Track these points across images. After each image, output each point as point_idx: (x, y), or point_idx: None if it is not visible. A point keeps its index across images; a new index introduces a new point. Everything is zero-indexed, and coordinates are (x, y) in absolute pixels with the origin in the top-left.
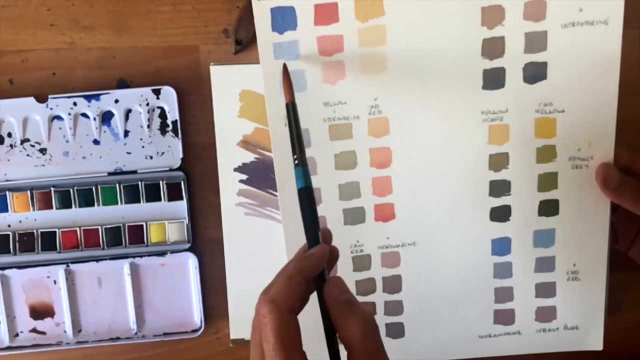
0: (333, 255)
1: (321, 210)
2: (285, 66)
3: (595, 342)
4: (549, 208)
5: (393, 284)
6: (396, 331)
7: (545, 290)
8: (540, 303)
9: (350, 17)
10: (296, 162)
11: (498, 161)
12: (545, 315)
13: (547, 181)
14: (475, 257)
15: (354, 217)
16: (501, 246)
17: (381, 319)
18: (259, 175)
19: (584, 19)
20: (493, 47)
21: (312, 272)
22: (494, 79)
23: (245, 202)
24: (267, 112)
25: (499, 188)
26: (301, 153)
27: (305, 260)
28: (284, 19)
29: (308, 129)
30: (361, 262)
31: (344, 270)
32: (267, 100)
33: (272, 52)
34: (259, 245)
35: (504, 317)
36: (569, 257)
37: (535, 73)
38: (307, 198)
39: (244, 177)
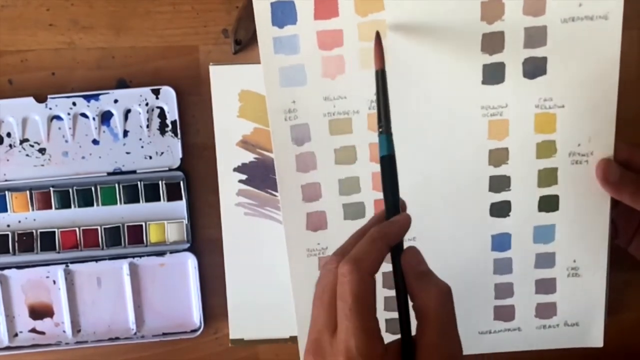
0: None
1: (321, 205)
2: (378, 34)
3: (595, 338)
4: (549, 204)
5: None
6: (396, 327)
7: (546, 286)
8: (541, 299)
9: (350, 12)
10: (381, 129)
11: (498, 156)
12: (545, 311)
13: (547, 177)
14: (475, 253)
15: (354, 212)
16: (501, 242)
17: (381, 315)
18: (258, 175)
19: (583, 14)
20: (493, 42)
21: (395, 238)
22: (493, 74)
23: (244, 202)
24: (268, 107)
25: (499, 183)
26: (387, 121)
27: (390, 226)
28: (283, 13)
29: (308, 123)
30: None
31: None
32: (268, 95)
33: (272, 47)
34: (258, 245)
35: (504, 313)
36: (569, 253)
37: (535, 68)
38: (390, 166)
39: (244, 177)
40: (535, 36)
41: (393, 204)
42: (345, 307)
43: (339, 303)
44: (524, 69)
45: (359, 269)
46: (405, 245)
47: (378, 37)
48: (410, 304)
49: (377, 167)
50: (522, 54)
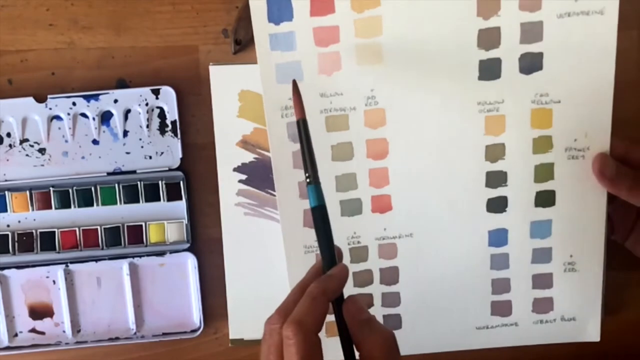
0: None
1: None
2: (295, 83)
3: (592, 333)
4: (545, 199)
5: (390, 276)
6: (393, 323)
7: (542, 281)
8: (537, 294)
9: (346, 8)
10: (308, 180)
11: (494, 152)
12: (542, 306)
13: (544, 172)
14: (472, 249)
15: (351, 208)
16: (498, 237)
17: (378, 311)
18: (258, 175)
19: (579, 9)
20: (489, 38)
21: (335, 292)
22: (490, 70)
23: (244, 202)
24: (264, 104)
25: (496, 179)
26: (313, 171)
27: (328, 281)
28: (280, 10)
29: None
30: (358, 253)
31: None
32: (264, 93)
33: (268, 43)
34: (258, 245)
35: (501, 309)
36: (565, 248)
37: (531, 63)
38: (321, 216)
39: (243, 177)
40: (531, 32)
41: (329, 254)
42: None
43: None
44: (520, 64)
45: (302, 330)
46: (402, 240)
47: (295, 86)
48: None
49: (374, 164)
50: (518, 49)
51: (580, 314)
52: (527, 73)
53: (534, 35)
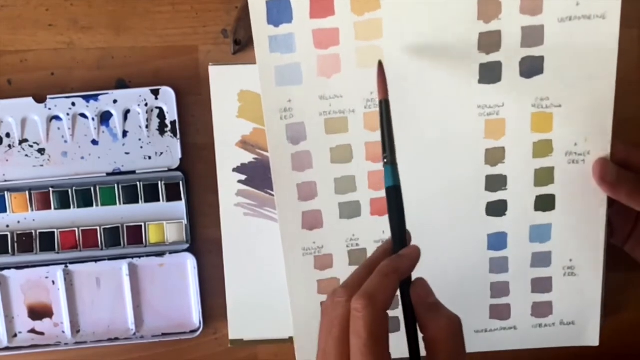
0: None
1: (317, 204)
2: (380, 63)
3: (591, 337)
4: (545, 203)
5: None
6: (392, 325)
7: (542, 285)
8: (537, 298)
9: (346, 10)
10: (385, 160)
11: (494, 156)
12: (541, 310)
13: (544, 176)
14: (471, 252)
15: (350, 211)
16: (497, 241)
17: None
18: (257, 175)
19: (581, 13)
20: (489, 41)
21: (406, 272)
22: (490, 73)
23: (244, 203)
24: (263, 106)
25: (495, 183)
26: (392, 151)
27: (401, 260)
28: (279, 12)
29: (304, 122)
30: (357, 256)
31: (340, 264)
32: (263, 94)
33: (267, 45)
34: (257, 245)
35: (500, 312)
36: (565, 252)
37: (532, 67)
38: (396, 197)
39: (243, 177)
40: (532, 35)
41: (400, 235)
42: (360, 342)
43: (353, 339)
44: (521, 68)
45: (373, 305)
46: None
47: (381, 66)
48: (421, 335)
49: (373, 166)
50: (519, 53)
51: (579, 318)
52: (527, 77)
53: (535, 39)
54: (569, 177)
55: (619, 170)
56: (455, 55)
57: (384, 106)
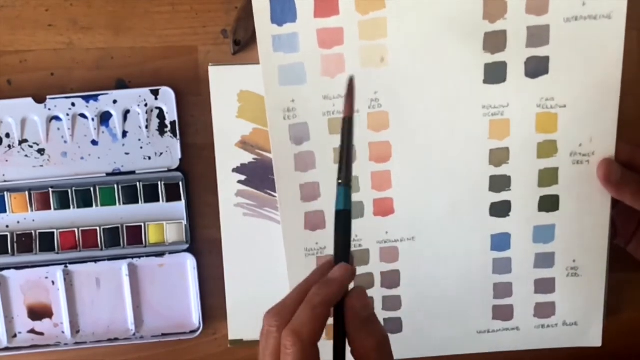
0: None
1: (320, 204)
2: (351, 79)
3: (594, 338)
4: (549, 204)
5: (391, 279)
6: (394, 326)
7: (545, 286)
8: (540, 299)
9: (350, 10)
10: (339, 180)
11: (498, 156)
12: (544, 311)
13: (548, 177)
14: (474, 253)
15: (353, 211)
16: (501, 242)
17: (379, 314)
18: (257, 176)
19: (587, 13)
20: (495, 41)
21: (336, 299)
22: (495, 73)
23: (243, 203)
24: (266, 106)
25: (499, 183)
26: (347, 172)
27: (329, 286)
28: (283, 11)
29: (307, 122)
30: (359, 256)
31: None
32: (266, 94)
33: (271, 45)
34: (257, 246)
35: (503, 313)
36: (568, 253)
37: (537, 67)
38: (344, 221)
39: (243, 177)
40: (537, 35)
41: (343, 259)
42: None
43: None
44: (526, 68)
45: (301, 341)
46: (404, 244)
47: (351, 83)
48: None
49: (376, 167)
50: (524, 53)
51: (582, 319)
52: (532, 77)
53: (541, 39)
54: (573, 178)
55: (624, 171)
56: (460, 55)
57: (347, 124)
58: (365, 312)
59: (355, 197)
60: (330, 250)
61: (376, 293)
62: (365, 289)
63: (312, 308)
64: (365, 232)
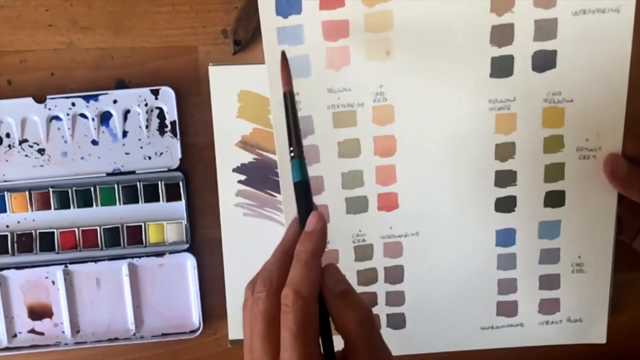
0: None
1: (323, 198)
2: (283, 53)
3: (598, 335)
4: (555, 199)
5: (395, 275)
6: (397, 322)
7: (549, 282)
8: (544, 295)
9: (356, 2)
10: (292, 154)
11: (504, 151)
12: (548, 307)
13: (554, 172)
14: (478, 249)
15: (357, 206)
16: (506, 237)
17: (382, 310)
18: (257, 175)
19: (595, 7)
20: (502, 34)
21: (322, 249)
22: (502, 67)
23: (244, 203)
24: (270, 100)
25: (505, 178)
26: (298, 145)
27: (312, 237)
28: (288, 3)
29: (311, 115)
30: (363, 251)
31: (346, 259)
32: (271, 87)
33: (275, 37)
34: (257, 245)
35: (507, 309)
36: (574, 249)
37: (544, 61)
38: (304, 192)
39: (243, 177)
40: (545, 29)
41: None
42: (290, 336)
43: (283, 332)
44: (533, 62)
45: (303, 298)
46: (408, 239)
47: (284, 57)
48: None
49: (381, 161)
50: (531, 46)
51: (586, 316)
52: (539, 71)
53: (548, 33)
54: (579, 173)
55: (630, 167)
56: (467, 48)
57: (289, 98)
58: (339, 287)
59: (359, 191)
60: (333, 245)
61: (380, 288)
62: (336, 266)
63: (305, 264)
64: (369, 226)
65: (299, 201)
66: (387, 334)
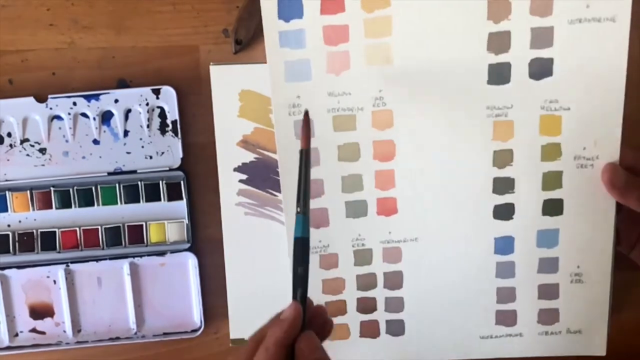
0: (327, 327)
1: (323, 202)
2: (306, 113)
3: (598, 346)
4: (553, 207)
5: (394, 280)
6: (396, 329)
7: (548, 291)
8: (543, 305)
9: (356, 7)
10: (298, 210)
11: (502, 158)
12: (547, 317)
13: (552, 180)
14: (477, 256)
15: (356, 210)
16: (504, 245)
17: (381, 316)
18: (258, 175)
19: (591, 16)
20: (499, 42)
21: (288, 338)
22: (499, 74)
23: (245, 202)
24: (272, 101)
25: (503, 185)
26: (305, 202)
27: (279, 327)
28: (290, 7)
29: (312, 118)
30: (362, 256)
31: (345, 263)
32: (272, 90)
33: (277, 40)
34: (258, 245)
35: (506, 318)
36: (572, 259)
37: (541, 69)
38: (303, 248)
39: (244, 177)
40: (541, 37)
41: (300, 290)
42: None
43: None
44: (530, 69)
45: None
46: (407, 245)
47: (307, 116)
48: None
49: (380, 165)
50: (528, 54)
51: (586, 327)
52: (536, 79)
53: (545, 41)
54: (577, 182)
55: (628, 176)
56: (464, 55)
57: (304, 156)
58: (313, 354)
59: (358, 195)
60: (333, 249)
61: (379, 294)
62: (313, 333)
63: (266, 349)
64: (369, 231)
65: (296, 257)
66: (387, 341)
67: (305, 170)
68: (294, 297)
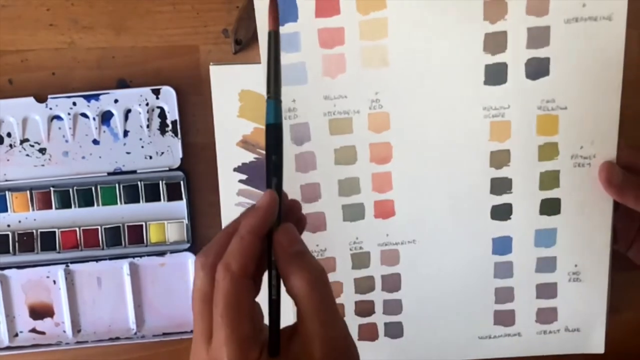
0: (301, 224)
1: (320, 205)
2: None
3: (596, 344)
4: (550, 207)
5: (392, 283)
6: (395, 331)
7: (546, 291)
8: (541, 304)
9: (351, 10)
10: (268, 95)
11: (499, 158)
12: (546, 316)
13: (549, 179)
14: (475, 256)
15: (354, 213)
16: (502, 245)
17: (380, 318)
18: (258, 175)
19: (587, 15)
20: (495, 42)
21: (262, 226)
22: (495, 74)
23: (245, 202)
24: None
25: (500, 186)
26: (276, 85)
27: (255, 215)
28: (285, 11)
29: (308, 122)
30: (360, 259)
31: (343, 267)
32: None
33: None
34: None
35: (505, 318)
36: (570, 258)
37: (537, 69)
38: (276, 136)
39: (244, 177)
40: (538, 36)
41: (275, 179)
42: (217, 314)
43: (213, 310)
44: (527, 69)
45: (230, 273)
46: (405, 247)
47: None
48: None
49: (377, 168)
50: (524, 54)
51: (584, 325)
52: (533, 78)
53: (541, 40)
54: (574, 181)
55: (625, 174)
56: (461, 56)
57: (273, 38)
58: (293, 246)
59: (355, 198)
60: (330, 253)
61: (377, 297)
62: (293, 225)
63: (240, 239)
64: (366, 234)
65: (269, 145)
66: (385, 344)
67: (274, 53)
68: (268, 185)
